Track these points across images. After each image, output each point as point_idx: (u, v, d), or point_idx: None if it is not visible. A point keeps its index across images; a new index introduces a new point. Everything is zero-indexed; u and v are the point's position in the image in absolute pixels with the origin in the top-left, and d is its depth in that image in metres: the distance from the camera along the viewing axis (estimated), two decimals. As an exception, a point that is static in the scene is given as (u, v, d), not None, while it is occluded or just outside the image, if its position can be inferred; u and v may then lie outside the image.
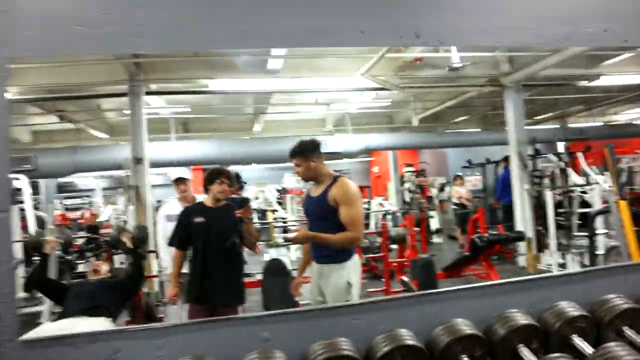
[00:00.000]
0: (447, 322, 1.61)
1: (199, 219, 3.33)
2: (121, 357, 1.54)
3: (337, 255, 2.91)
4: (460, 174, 11.22)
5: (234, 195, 3.66)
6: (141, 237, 4.42)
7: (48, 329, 3.37)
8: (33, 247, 4.74)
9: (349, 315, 1.66)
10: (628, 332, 1.61)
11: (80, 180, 21.64)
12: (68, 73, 6.53)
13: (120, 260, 6.18)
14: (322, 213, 2.93)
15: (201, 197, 4.34)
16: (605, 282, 1.88)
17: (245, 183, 6.72)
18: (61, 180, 19.43)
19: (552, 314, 1.62)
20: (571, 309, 1.63)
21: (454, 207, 10.64)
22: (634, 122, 15.27)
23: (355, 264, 2.98)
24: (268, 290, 4.13)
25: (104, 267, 4.06)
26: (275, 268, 4.25)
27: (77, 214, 17.47)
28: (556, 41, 1.90)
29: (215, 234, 3.27)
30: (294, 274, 6.80)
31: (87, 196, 23.05)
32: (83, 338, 1.55)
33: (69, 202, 23.05)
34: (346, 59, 6.77)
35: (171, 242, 3.52)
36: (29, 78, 6.52)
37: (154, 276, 6.39)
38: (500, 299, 1.78)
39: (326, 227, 2.87)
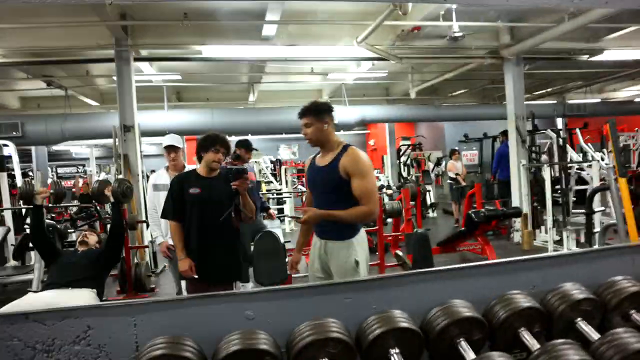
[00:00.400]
0: (444, 303, 1.50)
1: (194, 190, 3.04)
2: (93, 335, 1.42)
3: (343, 230, 2.70)
4: (456, 148, 11.09)
5: (229, 165, 3.39)
6: (123, 190, 4.37)
7: (30, 299, 3.27)
8: (25, 198, 4.69)
9: (341, 293, 1.55)
10: (635, 316, 1.51)
11: (74, 148, 21.43)
12: (53, 36, 6.28)
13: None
14: (331, 184, 2.69)
15: (191, 167, 4.21)
16: (612, 263, 1.77)
17: (256, 150, 6.49)
18: (54, 148, 19.23)
19: (556, 296, 1.52)
20: (576, 291, 1.52)
21: (450, 181, 10.56)
22: (633, 100, 15.12)
23: (362, 239, 2.76)
24: (259, 264, 4.03)
25: (92, 238, 3.95)
26: (267, 240, 4.16)
27: (71, 182, 17.37)
28: (569, 0, 1.73)
29: (211, 206, 3.00)
30: (288, 246, 6.76)
31: (81, 165, 22.93)
32: (52, 314, 1.43)
33: (62, 170, 22.94)
34: (342, 26, 6.54)
35: (165, 214, 3.19)
36: (12, 40, 6.27)
37: (145, 246, 6.32)
38: (501, 279, 1.67)
39: (336, 200, 2.66)
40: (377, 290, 1.58)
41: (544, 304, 1.54)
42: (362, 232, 2.80)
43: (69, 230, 6.69)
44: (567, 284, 1.57)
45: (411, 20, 6.16)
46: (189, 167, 4.05)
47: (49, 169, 18.96)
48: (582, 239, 6.47)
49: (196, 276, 3.03)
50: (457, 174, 10.33)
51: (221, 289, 2.89)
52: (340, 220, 2.65)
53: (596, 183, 6.76)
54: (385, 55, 7.00)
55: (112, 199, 4.15)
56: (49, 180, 16.35)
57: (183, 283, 3.24)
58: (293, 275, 5.49)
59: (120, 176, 6.21)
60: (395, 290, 1.60)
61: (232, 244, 3.14)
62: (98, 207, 7.89)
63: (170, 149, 4.14)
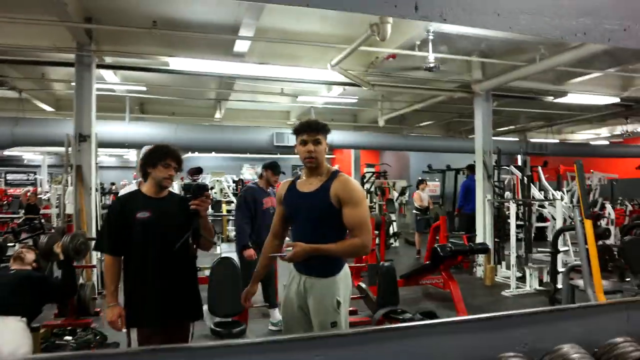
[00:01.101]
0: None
1: (142, 214, 2.53)
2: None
3: (326, 266, 2.44)
4: (424, 178, 11.12)
5: (186, 181, 2.96)
6: (75, 246, 3.85)
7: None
8: None
9: (308, 350, 1.31)
10: (640, 385, 1.34)
11: (27, 154, 20.44)
12: (6, 32, 5.87)
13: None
14: (318, 211, 2.42)
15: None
16: (606, 319, 1.62)
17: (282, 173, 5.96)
18: (5, 152, 18.26)
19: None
20: (577, 355, 1.35)
21: (415, 212, 10.51)
22: (589, 142, 15.72)
23: (346, 276, 2.51)
24: (213, 293, 3.72)
25: (29, 256, 3.58)
26: (224, 267, 3.87)
27: (21, 190, 16.45)
28: (573, 34, 1.62)
29: (164, 233, 2.54)
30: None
31: (33, 172, 21.86)
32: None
33: (11, 177, 21.81)
34: (317, 48, 6.41)
35: (99, 246, 2.71)
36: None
37: (92, 266, 5.87)
38: (490, 337, 1.48)
39: (321, 229, 2.41)
40: (353, 346, 1.36)
41: (541, 369, 1.35)
42: (346, 267, 2.55)
43: (9, 244, 6.15)
44: (565, 347, 1.39)
45: (387, 48, 6.10)
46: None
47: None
48: (544, 277, 6.46)
49: (124, 330, 2.54)
50: (421, 203, 10.34)
51: (178, 331, 2.57)
52: (331, 254, 2.39)
53: (559, 221, 6.81)
54: (358, 81, 6.92)
55: (61, 257, 3.68)
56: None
57: (134, 333, 2.62)
58: (253, 306, 5.20)
59: (54, 187, 5.76)
60: (372, 347, 1.37)
61: (190, 276, 2.69)
62: (42, 220, 7.40)
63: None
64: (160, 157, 2.59)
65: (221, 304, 3.40)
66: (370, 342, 1.36)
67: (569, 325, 1.56)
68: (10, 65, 7.57)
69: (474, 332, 1.51)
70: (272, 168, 4.61)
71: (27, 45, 6.13)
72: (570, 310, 1.65)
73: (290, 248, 2.37)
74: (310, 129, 2.45)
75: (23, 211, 10.23)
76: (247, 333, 4.56)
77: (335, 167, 2.66)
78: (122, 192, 4.22)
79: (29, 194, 11.30)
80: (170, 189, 2.73)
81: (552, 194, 8.67)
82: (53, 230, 5.89)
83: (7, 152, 18.15)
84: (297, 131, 2.49)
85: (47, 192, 13.49)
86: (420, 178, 11.06)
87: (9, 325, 2.87)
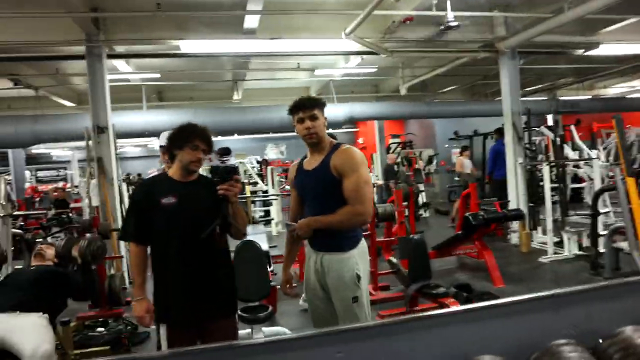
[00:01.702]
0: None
1: (167, 199, 2.28)
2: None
3: (342, 241, 2.40)
4: (467, 145, 10.80)
5: (214, 163, 2.62)
6: (92, 251, 3.78)
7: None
8: None
9: (330, 346, 1.16)
10: None
11: (55, 151, 20.83)
12: (16, 30, 5.81)
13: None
14: (321, 187, 2.42)
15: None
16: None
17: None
18: (33, 150, 18.64)
19: (616, 348, 1.14)
20: (641, 338, 1.15)
21: (458, 179, 10.23)
22: (625, 96, 14.95)
23: (363, 251, 2.48)
24: (239, 278, 3.61)
25: (49, 252, 3.55)
26: (248, 251, 3.75)
27: (49, 186, 16.81)
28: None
29: (191, 221, 2.29)
30: (274, 252, 6.35)
31: (63, 168, 22.31)
32: None
33: (42, 173, 22.32)
34: (329, 16, 6.15)
35: (125, 235, 2.44)
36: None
37: (120, 257, 5.88)
38: (534, 320, 1.29)
39: (328, 205, 2.37)
40: (377, 338, 1.19)
41: (598, 355, 1.16)
42: (363, 242, 2.51)
43: (37, 240, 6.20)
44: (627, 329, 1.19)
45: (402, 10, 5.78)
46: None
47: (28, 172, 18.36)
48: (584, 241, 6.16)
49: (153, 326, 2.37)
50: (462, 172, 10.05)
51: (213, 327, 2.32)
52: (328, 225, 2.36)
53: (597, 181, 6.46)
54: (375, 49, 6.62)
55: (79, 260, 3.64)
56: (26, 185, 15.85)
57: (163, 329, 2.44)
58: (279, 287, 5.11)
59: (83, 181, 5.74)
60: (403, 338, 1.21)
61: (221, 269, 2.42)
62: (72, 214, 7.47)
63: (164, 148, 3.63)
64: (187, 138, 2.31)
65: (246, 289, 3.28)
66: (398, 333, 1.20)
67: (624, 301, 1.36)
68: (24, 63, 7.55)
69: (520, 314, 1.32)
70: None
71: (37, 40, 6.06)
72: (626, 285, 1.43)
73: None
74: (305, 106, 2.42)
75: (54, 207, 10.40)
76: (276, 316, 4.50)
77: (337, 141, 2.55)
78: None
79: (57, 189, 11.47)
80: (200, 171, 2.49)
81: (588, 153, 8.26)
82: (79, 224, 5.87)
83: (35, 150, 18.53)
84: (292, 110, 2.46)
85: (77, 186, 13.71)
86: (464, 145, 10.72)
87: (30, 322, 2.83)
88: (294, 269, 2.75)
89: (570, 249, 6.22)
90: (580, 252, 6.08)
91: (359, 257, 2.42)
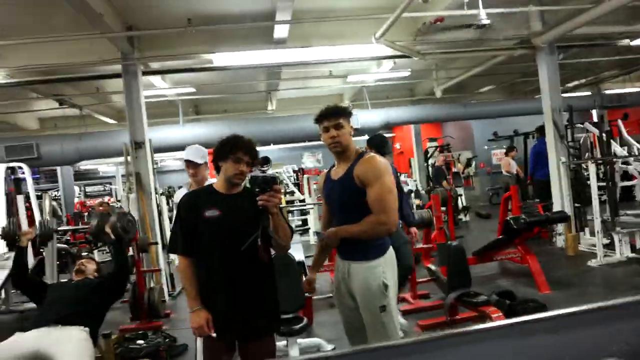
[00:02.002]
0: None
1: (211, 212, 2.27)
2: None
3: (368, 249, 2.39)
4: (514, 145, 10.46)
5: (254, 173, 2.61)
6: (123, 225, 3.92)
7: (17, 340, 2.91)
8: (5, 239, 4.32)
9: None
10: None
11: (101, 167, 21.65)
12: (57, 52, 6.05)
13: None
14: (346, 197, 2.43)
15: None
16: None
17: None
18: (81, 167, 19.42)
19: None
20: None
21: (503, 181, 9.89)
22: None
23: (390, 260, 2.46)
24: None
25: (90, 267, 3.61)
26: (282, 262, 3.72)
27: (97, 201, 17.44)
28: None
29: (234, 233, 2.25)
30: (308, 262, 6.31)
31: (108, 183, 23.17)
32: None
33: (89, 189, 23.25)
34: (358, 22, 6.09)
35: (173, 248, 2.41)
36: (16, 58, 6.08)
37: (157, 270, 5.98)
38: (582, 335, 1.17)
39: (354, 215, 2.37)
40: (411, 357, 1.12)
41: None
42: (391, 251, 2.48)
43: (83, 253, 6.41)
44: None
45: (433, 11, 5.66)
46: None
47: (77, 188, 19.12)
48: (637, 243, 5.82)
49: (214, 334, 2.28)
50: (508, 172, 9.71)
51: (253, 347, 2.29)
52: (352, 235, 2.37)
53: (649, 179, 6.10)
54: (407, 52, 6.51)
55: (112, 236, 3.75)
56: (75, 200, 16.50)
57: (199, 340, 2.42)
58: (316, 297, 5.07)
59: (124, 195, 5.87)
60: (436, 356, 1.13)
61: (264, 284, 2.35)
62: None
63: (188, 163, 3.68)
64: (230, 150, 2.27)
65: (280, 301, 3.25)
66: (431, 350, 1.12)
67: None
68: (66, 84, 7.87)
69: (555, 331, 1.21)
70: (377, 146, 3.72)
71: (77, 62, 6.29)
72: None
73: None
74: (330, 115, 2.43)
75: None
76: (313, 326, 4.44)
77: (363, 148, 2.60)
78: (176, 195, 4.18)
79: (103, 203, 11.85)
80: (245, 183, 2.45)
81: (638, 149, 7.85)
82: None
83: (83, 166, 19.31)
84: (318, 120, 2.47)
85: (119, 200, 14.17)
86: (510, 145, 10.41)
87: (70, 335, 2.88)
88: (331, 277, 2.74)
89: (622, 251, 5.88)
90: (634, 255, 5.73)
91: (386, 266, 2.40)
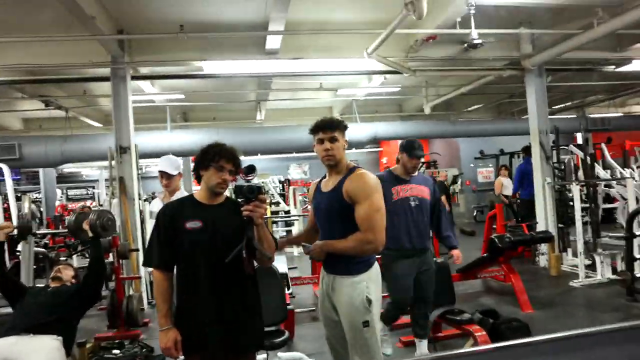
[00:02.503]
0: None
1: (192, 223, 2.17)
2: None
3: (352, 264, 2.37)
4: (505, 164, 10.40)
5: (238, 182, 2.46)
6: (102, 223, 3.83)
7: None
8: None
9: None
10: None
11: (85, 170, 21.33)
12: (46, 53, 5.96)
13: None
14: (334, 211, 2.41)
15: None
16: None
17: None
18: (65, 170, 19.12)
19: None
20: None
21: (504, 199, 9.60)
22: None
23: (375, 274, 2.44)
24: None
25: (68, 273, 3.52)
26: (264, 274, 3.67)
27: (79, 205, 17.15)
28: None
29: (217, 246, 2.15)
30: (293, 273, 6.24)
31: (92, 187, 22.83)
32: None
33: (72, 192, 22.88)
34: (351, 36, 6.13)
35: (148, 261, 2.26)
36: (3, 57, 5.97)
37: (138, 277, 5.86)
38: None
39: (340, 229, 2.36)
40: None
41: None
42: (376, 266, 2.47)
43: (61, 258, 6.26)
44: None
45: (425, 28, 5.71)
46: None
47: (59, 190, 18.79)
48: (618, 265, 5.87)
49: (181, 357, 2.17)
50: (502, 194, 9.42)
51: None
52: (338, 251, 2.36)
53: (631, 202, 6.17)
54: (398, 68, 6.55)
55: (90, 234, 3.67)
56: (56, 203, 16.20)
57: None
58: (298, 310, 5.00)
59: (107, 200, 5.78)
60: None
61: (248, 298, 2.25)
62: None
63: (162, 174, 3.67)
64: (212, 158, 2.18)
65: (265, 312, 3.19)
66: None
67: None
68: (53, 85, 7.76)
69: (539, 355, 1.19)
70: (408, 150, 3.51)
71: (65, 63, 6.20)
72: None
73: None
74: (326, 127, 2.42)
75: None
76: (294, 340, 4.37)
77: (354, 163, 2.55)
78: (151, 204, 4.12)
79: (84, 207, 11.65)
80: (227, 193, 2.39)
81: (620, 172, 7.96)
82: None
83: (66, 169, 19.00)
84: (313, 131, 2.47)
85: (102, 205, 13.94)
86: (502, 164, 10.36)
87: (42, 344, 2.79)
88: (314, 290, 2.70)
89: (604, 272, 5.93)
90: (615, 277, 5.78)
91: (370, 281, 2.38)
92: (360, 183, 2.35)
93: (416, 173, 3.63)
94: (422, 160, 13.67)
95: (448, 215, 8.24)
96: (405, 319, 4.88)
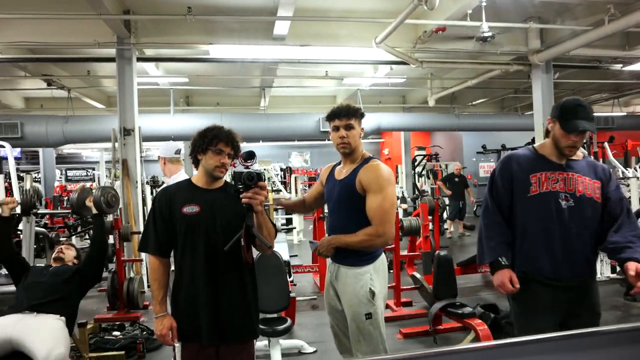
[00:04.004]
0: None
1: (190, 208, 2.13)
2: None
3: (357, 255, 2.34)
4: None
5: (237, 168, 2.30)
6: (107, 200, 3.80)
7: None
8: None
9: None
10: None
11: (85, 151, 21.25)
12: (50, 31, 5.90)
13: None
14: (344, 199, 2.37)
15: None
16: None
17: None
18: (65, 150, 19.05)
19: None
20: None
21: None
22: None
23: (380, 266, 2.39)
24: (259, 289, 3.52)
25: (70, 253, 3.49)
26: (267, 261, 3.66)
27: (78, 186, 17.11)
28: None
29: (215, 232, 2.11)
30: (294, 261, 6.24)
31: (91, 168, 22.79)
32: None
33: (71, 173, 22.84)
34: (360, 24, 6.06)
35: (144, 247, 2.21)
36: (6, 34, 5.90)
37: (139, 260, 5.86)
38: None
39: (348, 218, 2.34)
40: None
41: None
42: (382, 258, 2.42)
43: (61, 239, 6.25)
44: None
45: (435, 19, 5.66)
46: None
47: (58, 171, 18.74)
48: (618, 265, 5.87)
49: (177, 344, 2.15)
50: None
51: (235, 351, 2.16)
52: (348, 245, 2.31)
53: (634, 202, 6.17)
54: (406, 59, 6.50)
55: (94, 210, 3.65)
56: (56, 183, 16.16)
57: (178, 346, 2.21)
58: (299, 298, 5.01)
59: (108, 182, 5.76)
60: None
61: (249, 287, 2.21)
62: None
63: (160, 158, 3.66)
64: (210, 141, 2.12)
65: (264, 301, 3.18)
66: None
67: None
68: (56, 64, 7.69)
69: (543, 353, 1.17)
70: (564, 117, 2.16)
71: (69, 42, 6.14)
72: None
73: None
74: (342, 114, 2.37)
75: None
76: (294, 327, 4.38)
77: (369, 154, 2.48)
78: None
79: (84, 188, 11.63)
80: (226, 178, 2.31)
81: (622, 171, 7.95)
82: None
83: (66, 150, 18.93)
84: (330, 117, 2.43)
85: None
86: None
87: (45, 323, 2.78)
88: (315, 278, 2.67)
89: (603, 271, 5.94)
90: (614, 275, 5.79)
91: (375, 273, 2.34)
92: (375, 174, 2.30)
93: (580, 156, 2.30)
94: (424, 152, 13.66)
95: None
96: (406, 310, 4.92)
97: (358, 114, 2.40)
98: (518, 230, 2.21)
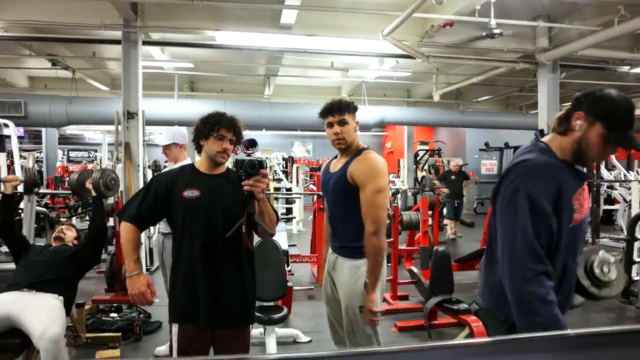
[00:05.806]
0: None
1: (190, 192, 2.13)
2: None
3: (354, 248, 2.33)
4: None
5: (239, 156, 2.27)
6: (106, 182, 3.81)
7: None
8: None
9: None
10: None
11: (88, 133, 21.24)
12: (56, 10, 5.87)
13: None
14: (340, 193, 2.37)
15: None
16: None
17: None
18: (68, 131, 19.04)
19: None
20: None
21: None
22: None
23: None
24: (257, 277, 3.54)
25: (70, 234, 3.51)
26: (266, 250, 3.68)
27: (79, 167, 17.13)
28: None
29: (215, 217, 2.11)
30: (293, 251, 6.25)
31: (94, 150, 22.79)
32: None
33: (73, 154, 22.86)
34: (368, 16, 6.03)
35: (123, 213, 2.19)
36: (12, 12, 5.88)
37: (138, 243, 5.88)
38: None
39: (346, 209, 2.34)
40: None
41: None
42: None
43: (61, 219, 6.27)
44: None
45: (443, 14, 5.62)
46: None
47: (60, 152, 18.75)
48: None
49: (156, 300, 2.14)
50: None
51: (231, 336, 2.18)
52: (377, 274, 2.24)
53: (635, 205, 6.18)
54: (412, 53, 6.47)
55: (93, 193, 3.67)
56: (57, 164, 16.18)
57: (175, 328, 2.18)
58: (296, 288, 5.04)
59: (110, 164, 5.76)
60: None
61: (248, 274, 2.22)
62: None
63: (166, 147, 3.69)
64: (212, 127, 2.14)
65: (262, 289, 3.20)
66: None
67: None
68: (61, 44, 7.66)
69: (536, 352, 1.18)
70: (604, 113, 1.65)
71: (75, 23, 6.11)
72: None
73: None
74: (334, 110, 2.36)
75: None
76: (290, 317, 4.41)
77: (365, 145, 2.47)
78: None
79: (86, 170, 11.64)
80: (228, 164, 2.32)
81: (624, 174, 7.96)
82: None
83: (69, 131, 18.91)
84: (323, 114, 2.40)
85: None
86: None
87: (44, 302, 2.81)
88: (312, 268, 2.66)
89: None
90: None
91: None
92: (364, 166, 2.29)
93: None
94: (426, 147, 13.57)
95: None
96: (402, 303, 4.95)
97: (351, 108, 2.38)
98: (557, 272, 1.58)
